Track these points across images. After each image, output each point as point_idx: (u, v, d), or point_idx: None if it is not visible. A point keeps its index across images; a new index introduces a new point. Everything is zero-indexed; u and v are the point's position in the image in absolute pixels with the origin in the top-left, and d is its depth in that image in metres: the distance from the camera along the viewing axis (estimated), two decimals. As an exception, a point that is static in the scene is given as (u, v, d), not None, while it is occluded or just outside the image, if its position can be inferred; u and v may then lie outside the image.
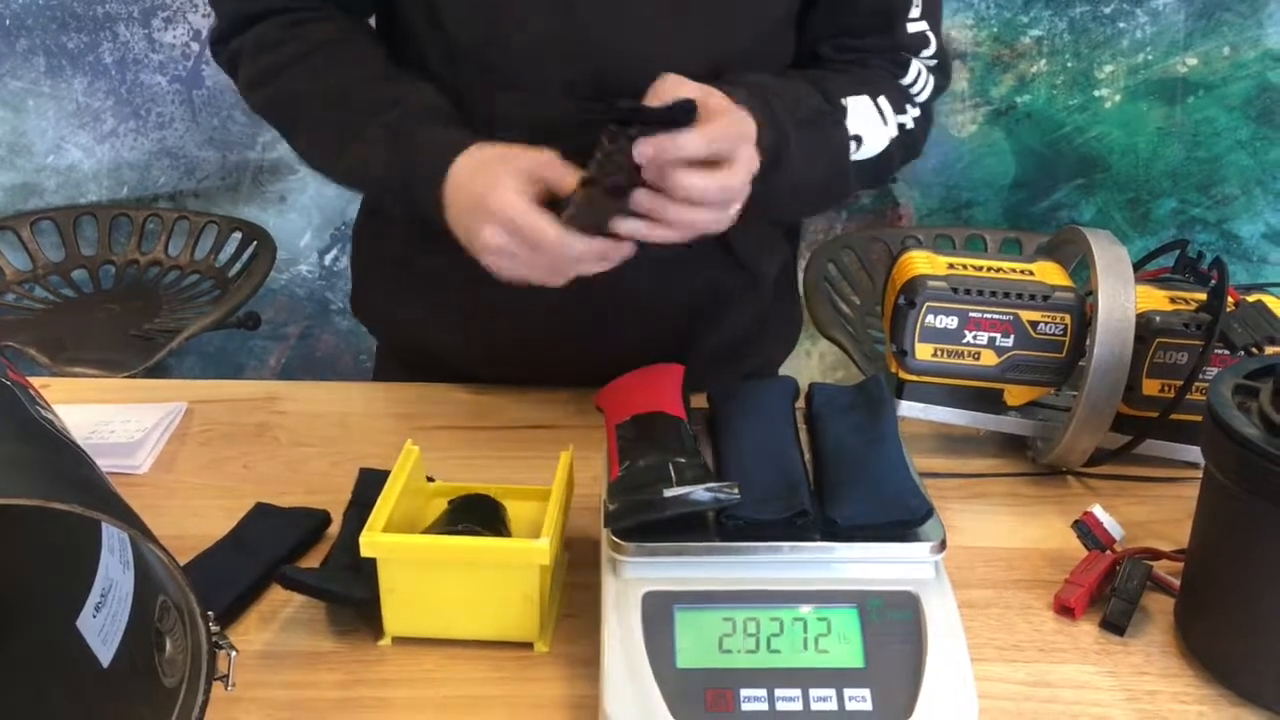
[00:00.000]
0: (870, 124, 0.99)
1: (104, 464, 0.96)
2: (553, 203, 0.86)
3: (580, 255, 0.85)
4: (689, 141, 0.80)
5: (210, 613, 0.61)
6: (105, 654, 0.67)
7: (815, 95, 0.97)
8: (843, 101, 0.98)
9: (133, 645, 0.66)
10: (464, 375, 1.11)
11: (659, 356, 0.88)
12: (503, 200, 0.85)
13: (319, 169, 1.01)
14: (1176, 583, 0.81)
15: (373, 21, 1.07)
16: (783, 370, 1.21)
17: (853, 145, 0.99)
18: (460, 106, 0.97)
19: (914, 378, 0.96)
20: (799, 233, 1.24)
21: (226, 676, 0.62)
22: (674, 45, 0.96)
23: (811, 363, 2.38)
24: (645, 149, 0.79)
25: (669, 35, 0.96)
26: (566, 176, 0.86)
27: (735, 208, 0.86)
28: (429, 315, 1.11)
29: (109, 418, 1.02)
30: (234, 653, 0.61)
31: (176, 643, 0.62)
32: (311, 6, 1.01)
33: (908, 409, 0.97)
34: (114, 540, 0.67)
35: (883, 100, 1.00)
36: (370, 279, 1.18)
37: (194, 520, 0.89)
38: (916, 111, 1.04)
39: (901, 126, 1.02)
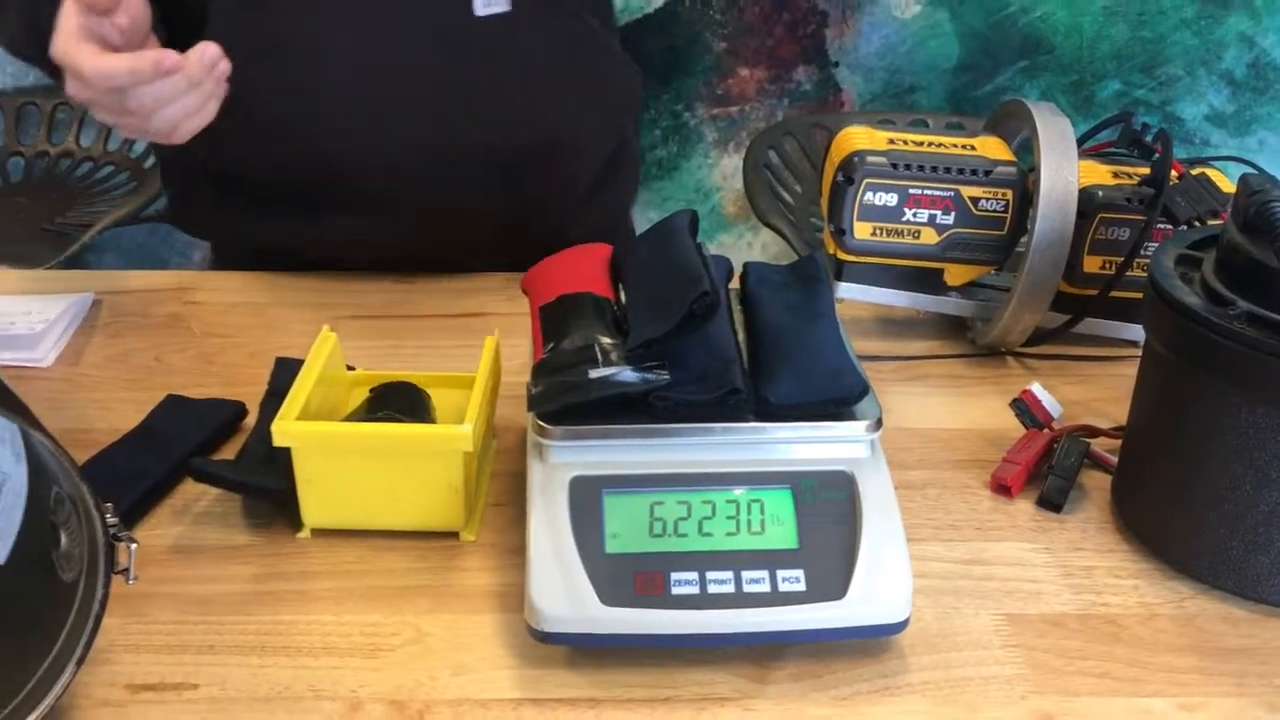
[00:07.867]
0: None
1: (3, 357, 0.92)
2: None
3: (119, 76, 0.76)
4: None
5: (108, 504, 0.57)
6: (1, 551, 0.63)
7: None
8: None
9: (29, 541, 0.62)
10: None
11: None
12: (57, 46, 0.77)
13: None
14: (1114, 460, 0.80)
15: None
16: (721, 252, 1.18)
17: None
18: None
19: (853, 258, 0.93)
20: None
21: (127, 570, 0.58)
22: None
23: (753, 252, 2.35)
24: None
25: None
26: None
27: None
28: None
29: (8, 309, 0.97)
30: (134, 545, 0.58)
31: (72, 536, 0.59)
32: None
33: (846, 290, 0.95)
34: (4, 432, 0.63)
35: None
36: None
37: (102, 414, 0.85)
38: None
39: None
